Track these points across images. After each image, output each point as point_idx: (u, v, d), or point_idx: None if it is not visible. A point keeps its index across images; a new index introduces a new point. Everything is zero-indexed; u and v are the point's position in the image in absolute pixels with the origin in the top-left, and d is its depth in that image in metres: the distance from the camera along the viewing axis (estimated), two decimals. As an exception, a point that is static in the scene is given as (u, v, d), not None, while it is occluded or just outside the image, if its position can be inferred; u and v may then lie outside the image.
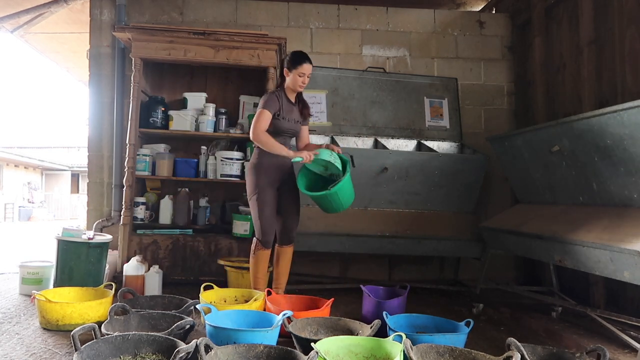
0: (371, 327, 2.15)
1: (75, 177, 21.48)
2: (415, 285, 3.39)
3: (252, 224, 3.52)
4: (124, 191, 3.50)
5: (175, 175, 3.70)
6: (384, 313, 2.33)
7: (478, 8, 4.86)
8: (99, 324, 2.00)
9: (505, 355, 1.72)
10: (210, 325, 2.05)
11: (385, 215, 3.44)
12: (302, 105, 2.85)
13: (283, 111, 2.73)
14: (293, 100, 2.82)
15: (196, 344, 1.67)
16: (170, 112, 3.67)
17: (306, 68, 2.71)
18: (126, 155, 3.52)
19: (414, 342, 1.88)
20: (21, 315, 2.67)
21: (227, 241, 3.53)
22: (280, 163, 2.74)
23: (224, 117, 3.77)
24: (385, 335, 2.08)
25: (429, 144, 3.95)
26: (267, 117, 2.65)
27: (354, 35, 4.23)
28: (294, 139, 2.89)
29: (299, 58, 2.72)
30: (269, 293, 2.69)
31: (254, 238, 2.79)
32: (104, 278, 3.25)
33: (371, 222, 3.41)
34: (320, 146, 2.71)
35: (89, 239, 3.09)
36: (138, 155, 3.59)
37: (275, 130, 2.70)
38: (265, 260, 2.81)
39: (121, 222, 3.47)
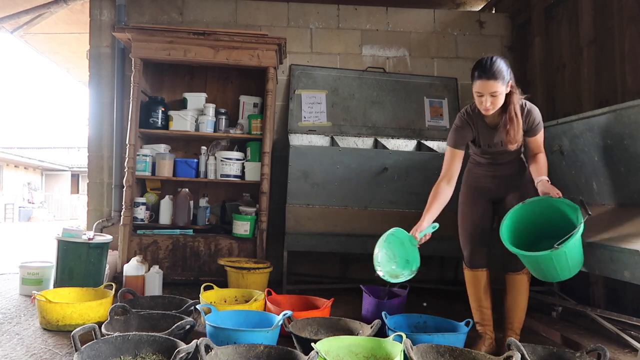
0: (371, 327, 2.16)
1: (75, 177, 21.49)
2: (415, 285, 3.38)
3: (253, 224, 3.56)
4: (124, 191, 3.50)
5: (175, 176, 3.70)
6: (383, 313, 2.34)
7: (478, 8, 4.86)
8: (99, 324, 2.00)
9: (505, 355, 1.72)
10: (211, 326, 2.05)
11: (385, 215, 3.44)
12: (506, 124, 2.15)
13: (479, 136, 2.27)
14: (494, 119, 2.20)
15: (196, 344, 1.67)
16: (170, 113, 3.67)
17: (480, 86, 2.06)
18: (126, 156, 3.52)
19: (413, 342, 1.88)
20: (21, 316, 2.67)
21: (227, 241, 3.53)
22: (492, 174, 2.35)
23: (224, 117, 3.77)
24: (385, 335, 2.08)
25: (429, 144, 3.95)
26: (450, 157, 2.26)
27: (353, 35, 4.23)
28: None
29: (473, 72, 2.10)
30: (269, 293, 2.70)
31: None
32: (104, 278, 3.25)
33: (371, 222, 3.41)
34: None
35: (89, 239, 3.09)
36: (138, 155, 3.59)
37: (480, 154, 2.34)
38: (474, 283, 2.43)
39: (121, 223, 3.47)
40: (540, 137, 2.25)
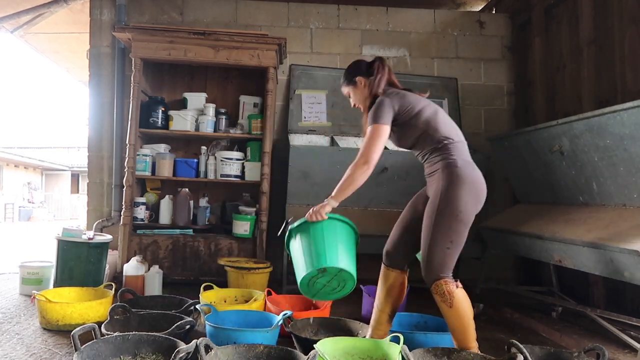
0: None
1: (75, 177, 21.48)
2: (415, 285, 3.38)
3: (253, 224, 3.55)
4: (124, 191, 3.50)
5: (175, 175, 3.70)
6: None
7: (478, 8, 4.86)
8: (99, 324, 2.00)
9: (507, 356, 1.72)
10: (210, 325, 2.05)
11: (385, 215, 3.44)
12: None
13: None
14: None
15: (196, 344, 1.67)
16: (170, 112, 3.67)
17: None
18: (126, 156, 3.52)
19: (407, 341, 1.87)
20: (21, 316, 2.67)
21: (227, 241, 3.53)
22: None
23: (224, 117, 3.77)
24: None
25: (429, 144, 3.95)
26: None
27: (354, 35, 4.23)
28: None
29: None
30: (269, 293, 2.70)
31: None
32: (104, 278, 3.25)
33: (371, 222, 3.40)
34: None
35: (89, 239, 3.09)
36: (138, 155, 3.59)
37: None
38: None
39: (121, 222, 3.47)
40: (367, 132, 2.02)
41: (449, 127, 2.06)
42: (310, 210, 2.02)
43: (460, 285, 1.92)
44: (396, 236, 2.19)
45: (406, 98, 2.08)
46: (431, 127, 2.02)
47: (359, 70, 2.22)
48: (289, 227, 2.10)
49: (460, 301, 1.88)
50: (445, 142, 2.00)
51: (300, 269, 1.96)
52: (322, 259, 1.90)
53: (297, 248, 2.02)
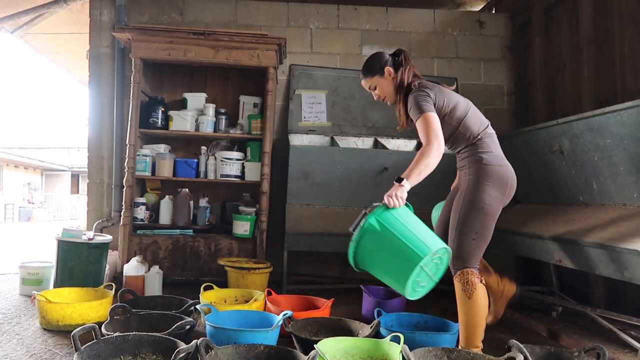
0: (371, 327, 2.16)
1: (75, 177, 21.49)
2: (416, 285, 3.38)
3: (253, 224, 3.55)
4: (124, 191, 3.50)
5: (175, 176, 3.70)
6: (377, 310, 2.35)
7: (478, 8, 4.86)
8: (99, 324, 2.00)
9: (506, 356, 1.72)
10: (211, 326, 2.05)
11: (385, 215, 3.43)
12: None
13: None
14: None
15: (196, 344, 1.67)
16: (170, 113, 3.67)
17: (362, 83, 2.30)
18: (126, 156, 3.52)
19: (407, 341, 1.88)
20: (21, 316, 2.67)
21: (227, 241, 3.53)
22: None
23: (224, 117, 3.77)
24: (381, 335, 2.09)
25: (429, 144, 3.95)
26: None
27: (353, 35, 4.23)
28: None
29: None
30: (269, 293, 2.70)
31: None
32: (104, 278, 3.25)
33: (371, 222, 3.40)
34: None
35: (89, 239, 3.09)
36: (138, 155, 3.59)
37: None
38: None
39: (121, 223, 3.47)
40: (418, 124, 2.00)
41: (478, 124, 2.12)
42: (387, 197, 1.82)
43: (484, 281, 1.98)
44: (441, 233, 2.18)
45: (442, 93, 2.13)
46: (462, 126, 2.09)
47: (384, 61, 2.21)
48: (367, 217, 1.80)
49: (479, 295, 1.93)
50: (474, 140, 2.08)
51: (409, 260, 1.71)
52: (434, 242, 1.78)
53: (390, 238, 1.76)
